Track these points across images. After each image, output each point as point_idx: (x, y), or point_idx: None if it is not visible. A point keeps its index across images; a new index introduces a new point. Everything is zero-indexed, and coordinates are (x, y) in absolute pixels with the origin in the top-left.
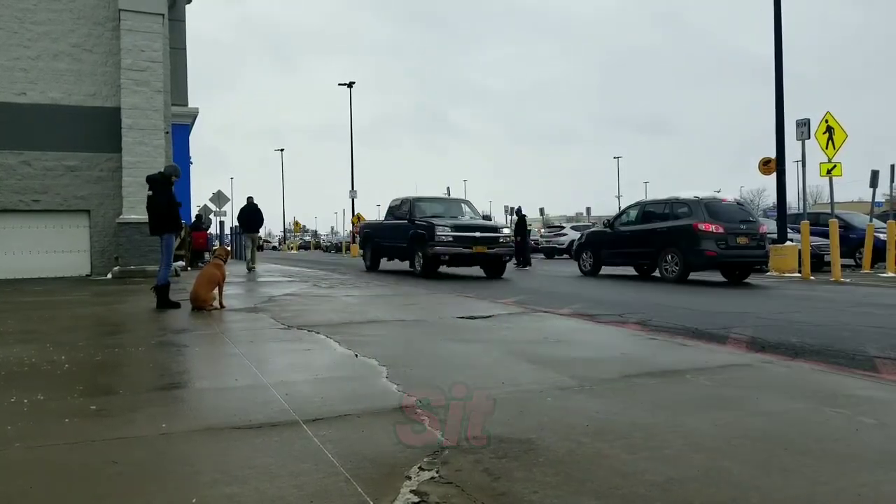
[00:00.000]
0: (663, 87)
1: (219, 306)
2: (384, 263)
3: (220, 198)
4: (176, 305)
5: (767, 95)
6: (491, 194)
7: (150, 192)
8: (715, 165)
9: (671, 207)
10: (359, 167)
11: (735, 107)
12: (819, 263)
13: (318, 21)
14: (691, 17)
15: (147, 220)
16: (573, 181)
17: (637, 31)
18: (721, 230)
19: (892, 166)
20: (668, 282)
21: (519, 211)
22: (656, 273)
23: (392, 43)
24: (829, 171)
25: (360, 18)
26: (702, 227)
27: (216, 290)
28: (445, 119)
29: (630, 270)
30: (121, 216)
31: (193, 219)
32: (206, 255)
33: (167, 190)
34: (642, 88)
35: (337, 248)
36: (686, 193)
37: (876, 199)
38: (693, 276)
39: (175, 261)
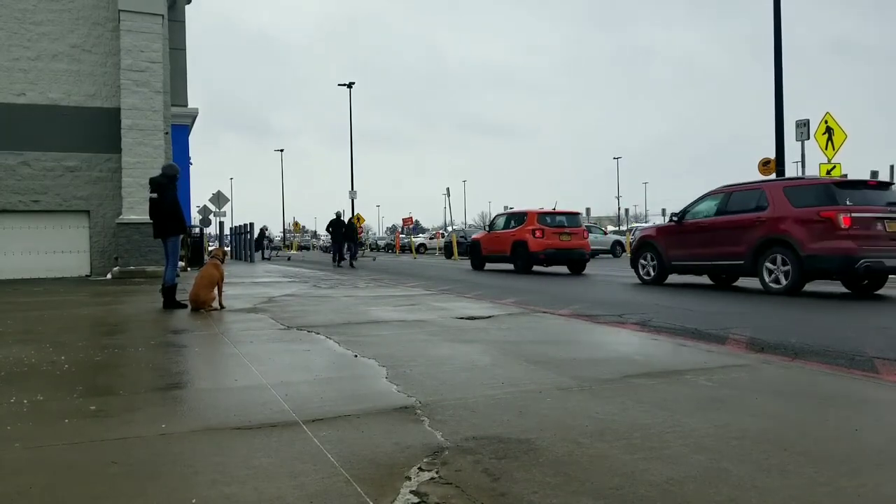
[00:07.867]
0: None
1: (218, 307)
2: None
3: (219, 198)
4: (183, 306)
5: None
6: (489, 195)
7: (154, 195)
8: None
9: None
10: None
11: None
12: None
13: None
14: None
15: (150, 222)
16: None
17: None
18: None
19: (892, 166)
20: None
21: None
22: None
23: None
24: (828, 172)
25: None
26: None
27: (216, 291)
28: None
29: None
30: (120, 216)
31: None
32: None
33: (171, 191)
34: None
35: None
36: None
37: None
38: (692, 278)
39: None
